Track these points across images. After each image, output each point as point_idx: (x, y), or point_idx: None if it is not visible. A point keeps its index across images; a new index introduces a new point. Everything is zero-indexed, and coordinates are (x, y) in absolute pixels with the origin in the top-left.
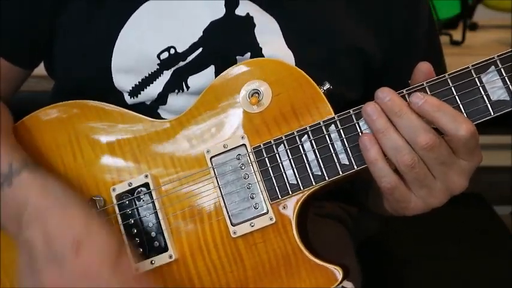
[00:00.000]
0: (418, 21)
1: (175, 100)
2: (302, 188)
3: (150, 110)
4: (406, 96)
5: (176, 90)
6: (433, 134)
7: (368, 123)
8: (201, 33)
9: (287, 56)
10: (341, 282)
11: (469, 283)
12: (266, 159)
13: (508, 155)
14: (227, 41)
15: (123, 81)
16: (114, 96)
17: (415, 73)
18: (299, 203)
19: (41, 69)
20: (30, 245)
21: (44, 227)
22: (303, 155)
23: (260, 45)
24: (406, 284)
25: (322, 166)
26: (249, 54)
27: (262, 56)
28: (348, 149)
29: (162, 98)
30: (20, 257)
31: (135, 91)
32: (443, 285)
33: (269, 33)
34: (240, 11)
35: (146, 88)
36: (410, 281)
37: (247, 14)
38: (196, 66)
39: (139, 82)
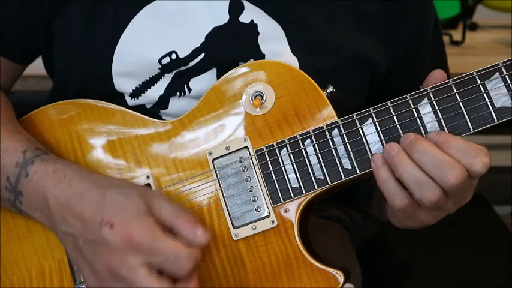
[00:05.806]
0: (427, 28)
1: (177, 104)
2: (304, 192)
3: (152, 113)
4: (410, 101)
5: (178, 94)
6: (460, 168)
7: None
8: (204, 39)
9: (292, 63)
10: (342, 285)
11: (469, 283)
12: (269, 162)
13: (508, 155)
14: (229, 48)
15: (124, 84)
16: (115, 98)
17: (429, 80)
18: (301, 206)
19: (41, 69)
20: (71, 239)
21: (72, 219)
22: (306, 159)
23: (263, 53)
24: (406, 285)
25: (324, 170)
26: (251, 61)
27: None
28: (351, 153)
29: (163, 102)
30: (69, 252)
31: (136, 93)
32: (444, 286)
33: (273, 41)
34: (244, 17)
35: (147, 91)
36: (411, 281)
37: (252, 21)
38: (198, 70)
39: (139, 85)
